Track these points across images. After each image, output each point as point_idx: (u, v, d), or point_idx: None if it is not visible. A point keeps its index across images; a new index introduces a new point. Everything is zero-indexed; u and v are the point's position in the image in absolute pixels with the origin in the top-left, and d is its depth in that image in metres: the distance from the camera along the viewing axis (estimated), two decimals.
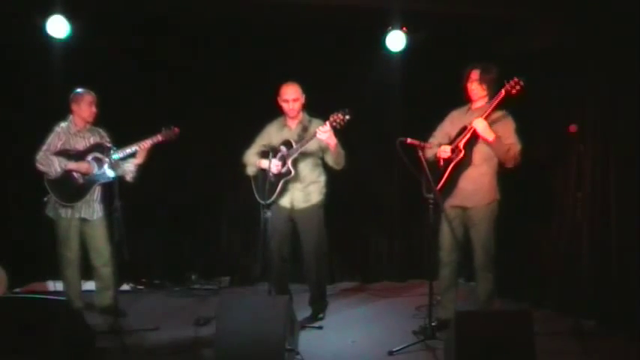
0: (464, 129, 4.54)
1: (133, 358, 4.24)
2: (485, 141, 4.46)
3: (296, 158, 4.79)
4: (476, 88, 4.60)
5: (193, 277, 6.07)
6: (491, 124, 4.49)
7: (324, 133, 4.52)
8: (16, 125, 5.60)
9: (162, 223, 6.18)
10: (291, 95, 4.83)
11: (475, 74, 4.58)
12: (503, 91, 4.41)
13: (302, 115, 4.93)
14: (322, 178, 4.97)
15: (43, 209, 4.90)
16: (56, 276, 5.25)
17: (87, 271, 5.04)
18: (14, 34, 5.36)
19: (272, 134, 4.98)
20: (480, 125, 4.43)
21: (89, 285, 5.14)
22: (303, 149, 4.75)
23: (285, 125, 4.96)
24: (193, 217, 6.24)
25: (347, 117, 4.47)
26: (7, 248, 5.33)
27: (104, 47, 5.58)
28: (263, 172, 4.82)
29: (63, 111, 4.95)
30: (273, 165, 4.76)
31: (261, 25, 5.77)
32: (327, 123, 4.53)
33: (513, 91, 4.39)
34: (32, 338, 3.60)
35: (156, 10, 5.52)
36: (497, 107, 4.50)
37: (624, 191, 4.74)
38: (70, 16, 5.19)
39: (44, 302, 3.85)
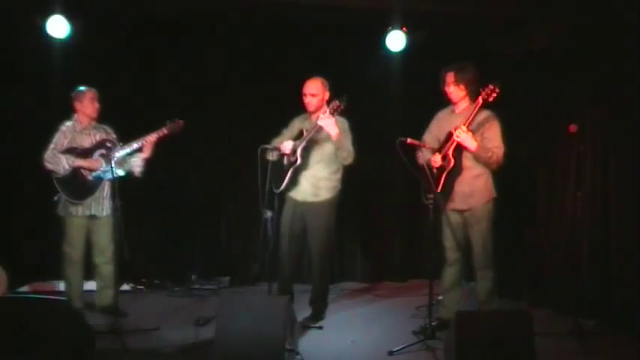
0: (450, 135, 4.52)
1: (133, 358, 4.24)
2: (468, 150, 4.47)
3: (306, 148, 4.81)
4: (454, 90, 4.59)
5: (193, 277, 6.06)
6: (476, 125, 4.49)
7: (323, 120, 4.60)
8: (16, 125, 5.59)
9: (162, 223, 6.18)
10: (309, 90, 4.87)
11: (450, 77, 4.57)
12: (480, 99, 4.39)
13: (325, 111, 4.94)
14: (336, 177, 4.95)
15: (54, 209, 4.87)
16: (58, 276, 5.24)
17: (88, 271, 5.04)
18: (14, 34, 5.36)
19: (295, 126, 5.03)
20: (462, 136, 4.42)
21: (90, 285, 5.13)
22: (309, 138, 4.77)
23: (307, 118, 5.00)
24: (193, 217, 6.24)
25: (343, 104, 4.57)
26: (7, 248, 5.32)
27: (104, 47, 5.58)
28: (278, 159, 4.87)
29: (63, 111, 4.95)
30: (284, 147, 4.82)
31: (261, 25, 5.77)
32: (327, 110, 4.62)
33: (490, 99, 4.38)
34: (32, 338, 3.59)
35: (156, 10, 5.52)
36: (481, 110, 4.47)
37: (624, 191, 4.74)
38: (70, 16, 5.19)
39: (44, 302, 3.84)
